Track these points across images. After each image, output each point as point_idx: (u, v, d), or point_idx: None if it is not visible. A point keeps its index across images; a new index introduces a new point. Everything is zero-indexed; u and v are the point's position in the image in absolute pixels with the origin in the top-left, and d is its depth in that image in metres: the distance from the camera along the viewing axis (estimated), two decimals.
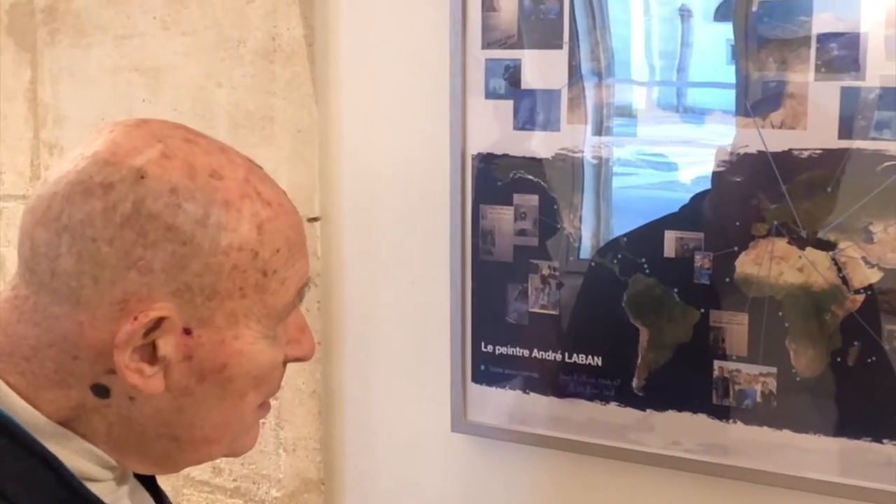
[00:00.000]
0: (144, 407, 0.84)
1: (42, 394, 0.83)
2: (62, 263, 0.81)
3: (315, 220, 1.67)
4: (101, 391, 0.83)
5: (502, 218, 1.51)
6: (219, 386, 0.85)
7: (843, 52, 1.28)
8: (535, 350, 1.52)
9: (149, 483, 1.00)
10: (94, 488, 0.85)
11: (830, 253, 1.31)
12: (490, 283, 1.54)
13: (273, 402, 1.62)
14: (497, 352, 1.55)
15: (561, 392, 1.51)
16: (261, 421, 0.94)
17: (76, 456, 0.85)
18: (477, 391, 1.58)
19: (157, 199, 0.80)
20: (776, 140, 1.32)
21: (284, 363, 0.92)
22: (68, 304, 0.81)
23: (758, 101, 1.33)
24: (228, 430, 0.89)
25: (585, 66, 1.43)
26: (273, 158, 1.62)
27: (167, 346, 0.82)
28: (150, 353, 0.82)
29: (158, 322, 0.80)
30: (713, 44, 1.39)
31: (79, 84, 1.83)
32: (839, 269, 1.31)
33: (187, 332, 0.82)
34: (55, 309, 0.82)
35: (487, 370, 1.56)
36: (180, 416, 0.85)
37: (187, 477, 1.78)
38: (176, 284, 0.81)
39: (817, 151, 1.30)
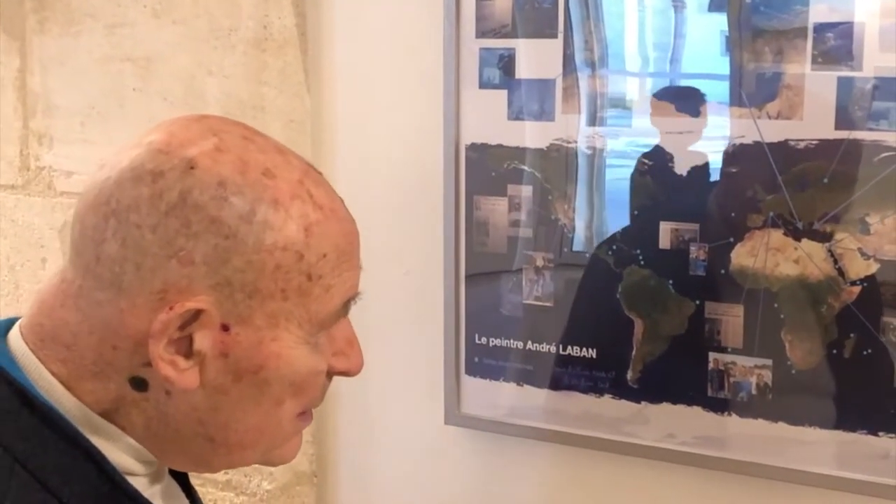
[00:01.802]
0: (180, 403, 0.84)
1: (83, 384, 0.83)
2: (107, 248, 0.81)
3: None
4: (140, 384, 0.83)
5: (496, 209, 1.50)
6: (255, 388, 0.84)
7: (839, 43, 1.27)
8: (530, 342, 1.51)
9: (182, 480, 1.00)
10: (135, 482, 0.85)
11: (826, 244, 1.30)
12: (484, 274, 1.53)
13: None
14: (491, 344, 1.54)
15: (555, 384, 1.50)
16: (301, 433, 0.93)
17: (117, 449, 0.85)
18: (471, 383, 1.57)
19: (203, 190, 0.80)
20: (772, 131, 1.31)
21: (330, 375, 0.90)
22: (111, 291, 0.81)
23: (754, 91, 1.32)
24: (264, 436, 0.87)
25: (580, 56, 1.42)
26: None
27: (203, 340, 0.81)
28: (187, 347, 0.81)
29: (196, 315, 0.80)
30: (708, 35, 1.37)
31: (69, 73, 1.81)
32: (835, 261, 1.30)
33: (225, 328, 0.81)
34: (98, 294, 0.82)
35: (481, 362, 1.55)
36: (215, 416, 0.84)
37: None
38: (216, 278, 0.80)
39: (814, 142, 1.29)
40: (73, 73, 1.81)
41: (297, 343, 0.84)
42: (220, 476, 1.73)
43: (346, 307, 0.88)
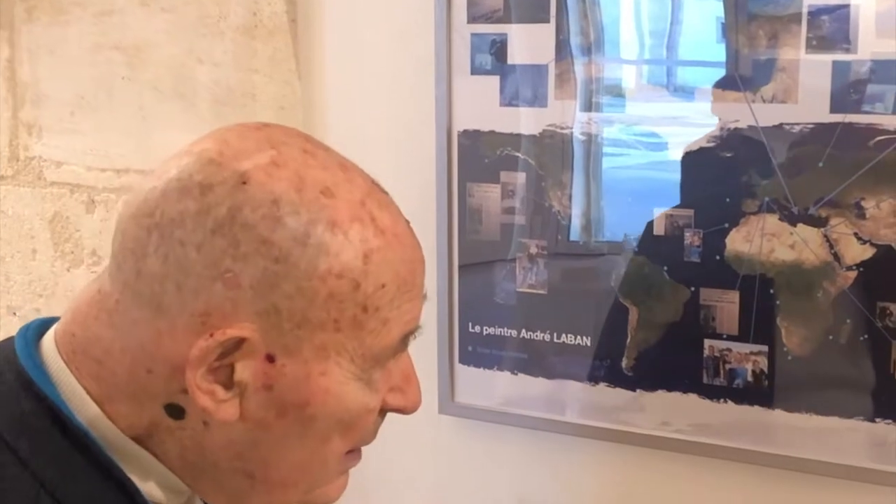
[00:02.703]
0: (218, 435, 0.78)
1: (115, 406, 0.78)
2: (148, 264, 0.75)
3: None
4: (176, 412, 0.77)
5: (489, 196, 1.49)
6: (300, 424, 0.78)
7: (833, 27, 1.26)
8: (524, 330, 1.50)
9: None
10: None
11: (822, 229, 1.29)
12: (477, 262, 1.52)
13: None
14: (485, 332, 1.53)
15: (550, 373, 1.49)
16: (350, 471, 0.88)
17: (149, 479, 0.80)
18: (464, 372, 1.56)
19: (255, 208, 0.74)
20: (767, 114, 1.30)
21: (383, 412, 0.84)
22: (149, 310, 0.75)
23: (748, 75, 1.31)
24: (307, 475, 0.82)
25: (573, 40, 1.41)
26: None
27: (245, 370, 0.75)
28: (227, 377, 0.75)
29: (239, 343, 0.74)
30: (703, 20, 1.37)
31: (58, 62, 1.80)
32: (831, 246, 1.29)
33: (270, 359, 0.75)
34: (135, 313, 0.76)
35: (475, 351, 1.54)
36: (255, 452, 0.79)
37: None
38: (263, 305, 0.74)
39: (809, 126, 1.28)
40: (61, 63, 1.79)
41: (349, 379, 0.78)
42: None
43: (404, 342, 0.81)
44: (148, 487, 0.79)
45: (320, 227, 0.75)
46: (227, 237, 0.73)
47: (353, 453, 0.86)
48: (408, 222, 0.82)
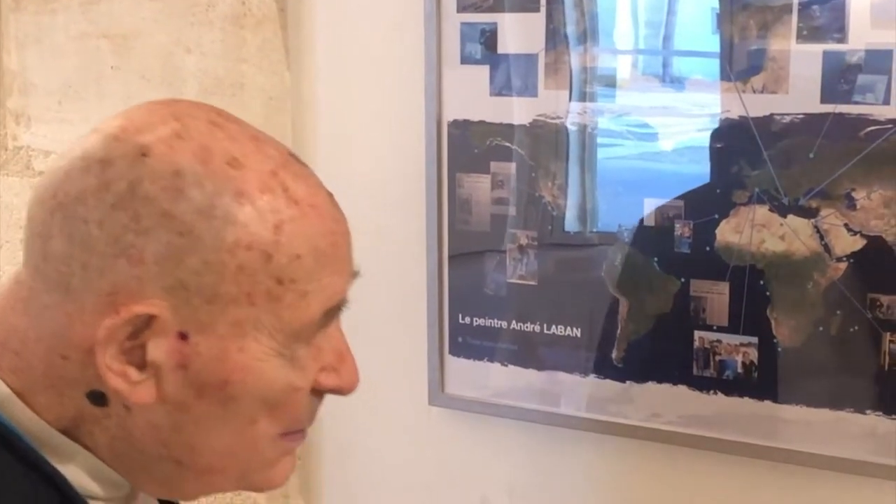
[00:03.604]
0: (140, 420, 0.75)
1: (37, 398, 0.75)
2: (54, 245, 0.73)
3: None
4: (98, 399, 0.75)
5: (479, 186, 1.48)
6: (221, 404, 0.75)
7: (825, 17, 1.25)
8: (514, 322, 1.50)
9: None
10: None
11: (812, 220, 1.28)
12: (467, 253, 1.51)
13: None
14: (475, 323, 1.52)
15: (540, 364, 1.49)
16: (294, 454, 0.84)
17: (80, 472, 0.77)
18: (455, 364, 1.55)
19: (156, 180, 0.71)
20: (757, 105, 1.29)
21: (319, 393, 0.81)
22: (58, 293, 0.73)
23: (739, 65, 1.30)
24: (237, 460, 0.79)
25: (564, 30, 1.40)
26: None
27: (157, 350, 0.72)
28: (140, 357, 0.73)
29: (148, 321, 0.72)
30: (697, 11, 1.36)
31: (45, 51, 1.79)
32: (821, 237, 1.28)
33: (183, 336, 0.72)
34: (46, 297, 0.74)
35: (465, 342, 1.54)
36: (179, 436, 0.76)
37: None
38: (170, 280, 0.71)
39: (799, 116, 1.27)
40: (49, 51, 1.78)
41: (269, 355, 0.75)
42: None
43: (328, 316, 0.78)
44: (82, 481, 0.77)
45: (226, 197, 0.72)
46: (128, 211, 0.71)
47: (294, 435, 0.82)
48: (330, 195, 0.79)
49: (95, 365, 0.72)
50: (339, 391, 0.82)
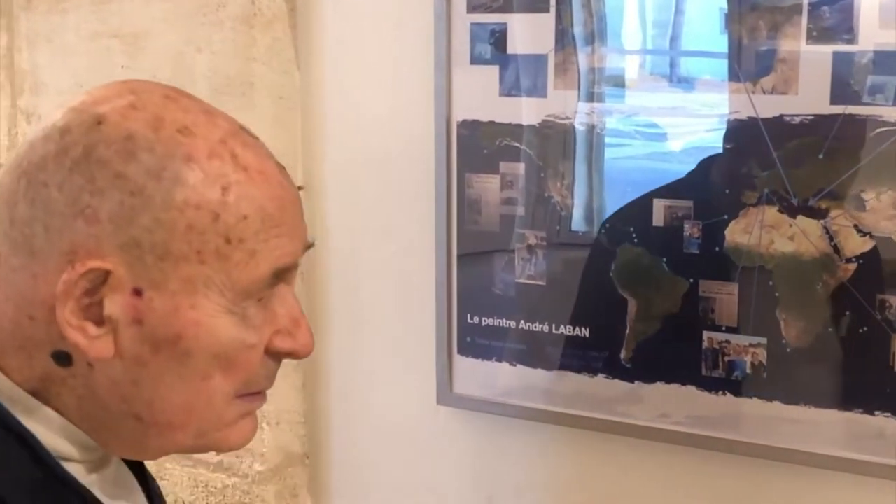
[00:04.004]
0: (101, 377, 0.79)
1: (7, 360, 0.79)
2: (19, 210, 0.77)
3: (298, 188, 1.64)
4: (63, 358, 0.79)
5: (488, 186, 1.49)
6: (175, 360, 0.78)
7: (835, 18, 1.25)
8: (522, 321, 1.50)
9: (137, 469, 0.94)
10: (73, 468, 0.82)
11: (822, 221, 1.28)
12: (476, 253, 1.51)
13: None
14: (483, 323, 1.52)
15: (548, 364, 1.49)
16: (254, 417, 0.87)
17: (51, 433, 0.80)
18: (463, 364, 1.56)
19: (109, 145, 0.76)
20: (767, 106, 1.29)
21: (276, 357, 0.84)
22: (24, 255, 0.77)
23: (749, 66, 1.30)
24: (194, 416, 0.81)
25: (574, 30, 1.40)
26: (254, 125, 1.53)
27: (114, 305, 0.76)
28: (98, 314, 0.76)
29: (105, 277, 0.75)
30: (705, 11, 1.36)
31: (56, 50, 1.79)
32: (831, 238, 1.28)
33: (137, 293, 0.76)
34: (14, 260, 0.78)
35: (474, 342, 1.54)
36: (138, 391, 0.79)
37: None
38: (124, 238, 0.75)
39: (809, 117, 1.27)
40: (60, 51, 1.79)
41: (219, 312, 0.78)
42: (212, 457, 1.71)
43: (276, 276, 0.81)
44: (53, 441, 0.80)
45: (176, 161, 0.76)
46: (84, 174, 0.75)
47: (252, 396, 0.85)
48: (280, 166, 0.83)
49: (57, 322, 0.76)
50: (295, 354, 0.85)
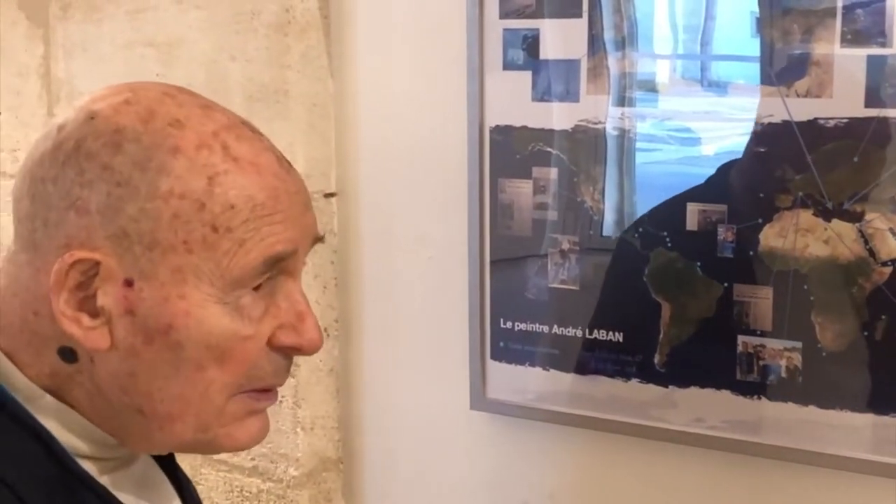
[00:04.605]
0: (102, 371, 0.80)
1: (20, 356, 0.81)
2: (23, 206, 0.80)
3: (331, 195, 1.66)
4: (68, 354, 0.80)
5: (521, 191, 1.49)
6: (169, 350, 0.79)
7: (869, 21, 1.25)
8: (556, 326, 1.50)
9: (172, 472, 0.96)
10: (89, 466, 0.82)
11: (857, 224, 1.28)
12: (509, 258, 1.51)
13: (291, 380, 1.63)
14: (516, 328, 1.53)
15: (582, 369, 1.49)
16: (263, 416, 0.86)
17: (66, 429, 0.81)
18: (496, 368, 1.56)
19: (98, 138, 0.77)
20: (801, 109, 1.29)
21: (282, 351, 0.83)
22: (28, 251, 0.80)
23: (782, 70, 1.30)
24: (190, 407, 0.81)
25: (606, 35, 1.41)
26: (288, 132, 1.60)
27: (106, 296, 0.77)
28: (93, 305, 0.78)
29: (96, 268, 0.77)
30: (737, 15, 1.36)
31: (92, 59, 1.81)
32: (866, 241, 1.28)
33: (128, 283, 0.77)
34: (21, 256, 0.80)
35: (507, 347, 1.54)
36: (135, 383, 0.80)
37: (205, 456, 1.77)
38: (113, 229, 0.77)
39: (843, 120, 1.27)
40: (96, 60, 1.80)
41: (210, 302, 0.78)
42: (247, 462, 1.72)
43: (271, 266, 0.81)
44: (72, 440, 0.81)
45: (162, 151, 0.77)
46: (75, 167, 0.77)
47: (259, 393, 0.84)
48: (281, 160, 0.83)
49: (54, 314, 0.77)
50: (300, 349, 0.84)
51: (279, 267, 0.81)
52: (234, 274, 0.79)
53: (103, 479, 0.83)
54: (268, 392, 0.85)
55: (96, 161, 0.77)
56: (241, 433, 0.85)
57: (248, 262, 0.79)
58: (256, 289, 0.81)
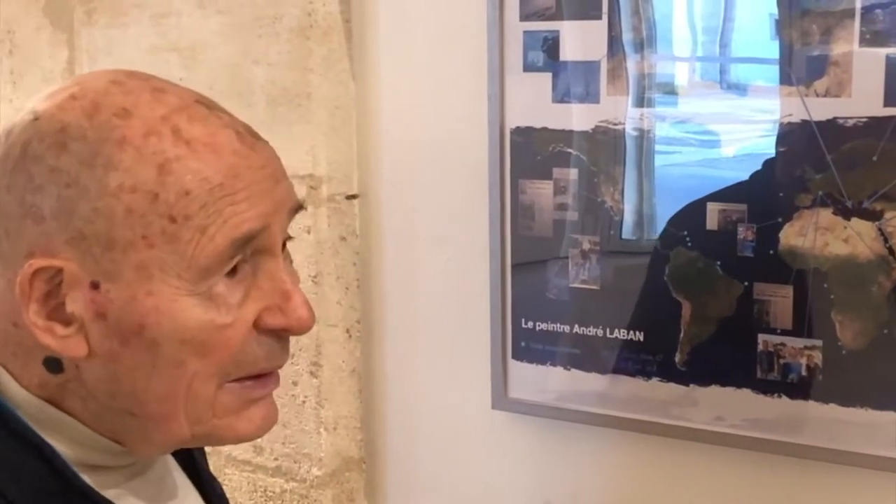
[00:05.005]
0: (89, 378, 0.77)
1: (11, 368, 0.79)
2: None
3: (353, 197, 1.67)
4: (54, 365, 0.78)
5: (541, 192, 1.50)
6: (146, 350, 0.76)
7: (889, 21, 1.25)
8: (577, 326, 1.51)
9: (192, 468, 0.95)
10: (99, 477, 0.81)
11: (877, 223, 1.29)
12: (530, 258, 1.53)
13: (314, 381, 1.65)
14: (538, 328, 1.54)
15: (602, 368, 1.50)
16: (264, 405, 0.83)
17: (70, 441, 0.80)
18: (518, 368, 1.57)
19: (42, 139, 0.74)
20: (820, 109, 1.30)
21: (272, 334, 0.80)
22: (0, 262, 0.77)
23: (801, 69, 1.31)
24: (178, 404, 0.78)
25: (625, 37, 1.42)
26: (311, 135, 1.62)
27: (75, 303, 0.75)
28: (64, 313, 0.75)
29: (59, 275, 0.74)
30: (756, 17, 1.37)
31: (116, 64, 1.81)
32: (886, 240, 1.28)
33: (94, 286, 0.74)
34: None
35: (528, 347, 1.55)
36: (121, 387, 0.77)
37: (229, 456, 1.79)
38: (69, 232, 0.73)
39: (862, 120, 1.27)
40: (120, 64, 1.80)
41: (179, 295, 0.75)
42: (270, 462, 1.74)
43: (241, 247, 0.77)
44: (77, 452, 0.79)
45: (108, 146, 0.73)
46: (24, 173, 0.74)
47: (255, 381, 0.82)
48: (241, 134, 0.78)
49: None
50: (289, 330, 0.81)
51: (252, 246, 0.78)
52: (201, 263, 0.75)
53: (114, 491, 0.82)
54: (265, 378, 0.82)
55: (43, 164, 0.74)
56: (243, 424, 0.82)
57: (214, 248, 0.75)
58: (233, 273, 0.77)
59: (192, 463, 0.95)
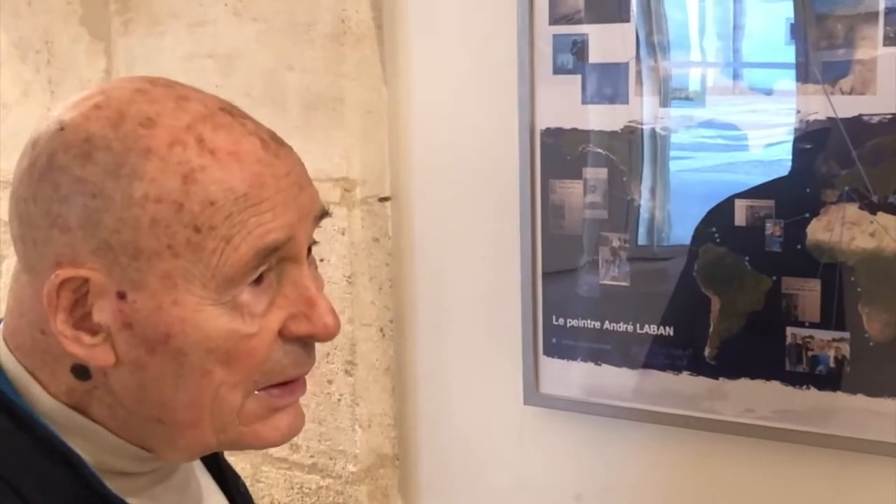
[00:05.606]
0: (117, 386, 0.78)
1: (39, 375, 0.79)
2: (14, 228, 0.78)
3: (386, 199, 1.70)
4: (82, 373, 0.78)
5: (572, 192, 1.53)
6: (172, 359, 0.76)
7: None
8: (607, 322, 1.54)
9: (215, 468, 0.96)
10: (124, 483, 0.81)
11: None
12: (560, 256, 1.56)
13: (349, 379, 1.68)
14: (568, 324, 1.57)
15: (633, 363, 1.53)
16: (291, 412, 0.83)
17: (96, 447, 0.80)
18: (549, 364, 1.60)
19: (68, 150, 0.75)
20: (846, 106, 1.32)
21: (297, 340, 0.80)
22: (28, 272, 0.78)
23: (827, 68, 1.33)
24: (204, 413, 0.78)
25: (653, 39, 1.44)
26: (344, 139, 1.65)
27: (102, 312, 0.75)
28: (91, 322, 0.75)
29: (86, 285, 0.74)
30: (783, 20, 1.39)
31: (153, 72, 1.82)
32: None
33: (121, 296, 0.74)
34: (22, 276, 0.79)
35: (559, 343, 1.58)
36: (148, 395, 0.78)
37: (266, 455, 1.82)
38: (95, 242, 0.74)
39: (887, 116, 1.30)
40: (156, 72, 1.81)
41: (204, 304, 0.75)
42: (306, 459, 1.77)
43: (267, 257, 0.77)
44: (104, 458, 0.80)
45: (133, 155, 0.74)
46: (50, 183, 0.74)
47: (282, 388, 0.82)
48: (265, 141, 0.78)
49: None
50: (314, 337, 0.81)
51: (277, 256, 0.78)
52: (226, 273, 0.75)
53: (138, 499, 0.82)
54: (292, 384, 0.82)
55: (69, 174, 0.74)
56: (268, 431, 0.82)
57: (239, 258, 0.75)
58: (258, 282, 0.77)
59: (217, 462, 0.97)
